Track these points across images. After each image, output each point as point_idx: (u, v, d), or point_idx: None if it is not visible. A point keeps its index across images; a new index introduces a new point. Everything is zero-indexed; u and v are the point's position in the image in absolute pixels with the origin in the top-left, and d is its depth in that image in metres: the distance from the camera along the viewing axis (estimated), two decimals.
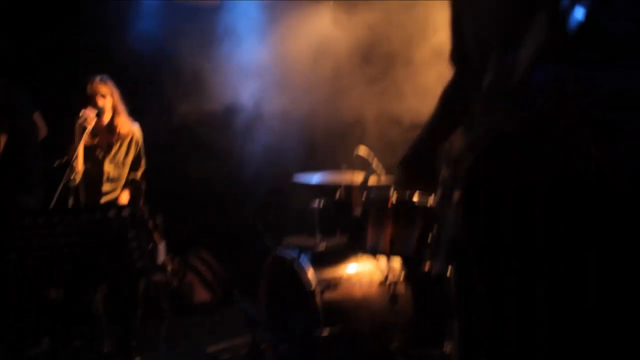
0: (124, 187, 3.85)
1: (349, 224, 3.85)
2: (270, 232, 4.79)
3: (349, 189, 3.91)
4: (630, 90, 1.17)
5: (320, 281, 3.58)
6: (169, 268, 4.96)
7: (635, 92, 1.16)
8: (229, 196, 4.89)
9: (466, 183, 1.43)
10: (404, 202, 3.53)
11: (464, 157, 1.48)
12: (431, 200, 3.50)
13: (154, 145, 4.01)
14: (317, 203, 4.01)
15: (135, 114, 3.87)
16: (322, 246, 3.90)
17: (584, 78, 1.17)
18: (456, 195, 1.50)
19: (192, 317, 4.71)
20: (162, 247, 3.70)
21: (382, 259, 3.61)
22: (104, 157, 3.80)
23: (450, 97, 1.74)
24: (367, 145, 3.93)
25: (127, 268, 2.65)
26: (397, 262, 3.74)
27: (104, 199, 3.80)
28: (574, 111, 1.20)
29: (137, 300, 3.67)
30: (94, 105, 3.67)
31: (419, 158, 1.79)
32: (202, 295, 5.09)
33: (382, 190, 3.80)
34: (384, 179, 3.73)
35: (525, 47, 1.13)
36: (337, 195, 3.97)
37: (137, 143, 3.90)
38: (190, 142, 4.75)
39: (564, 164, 1.22)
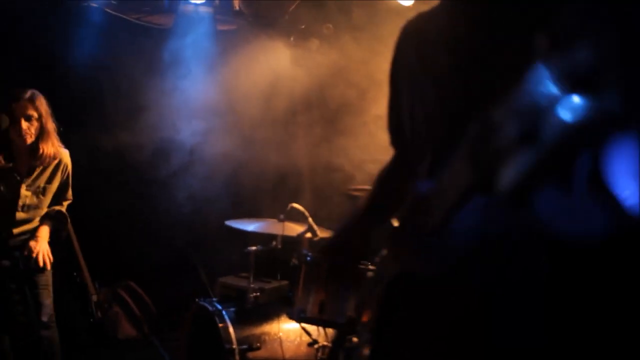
0: (44, 219, 3.55)
1: (289, 272, 3.68)
2: (205, 269, 4.62)
3: (287, 240, 3.73)
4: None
5: (241, 340, 3.37)
6: (94, 299, 4.70)
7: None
8: (162, 229, 4.65)
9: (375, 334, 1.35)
10: (341, 265, 3.36)
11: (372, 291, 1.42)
12: (369, 266, 3.34)
13: (86, 168, 3.76)
14: (253, 248, 3.83)
15: (68, 133, 3.60)
16: (253, 294, 3.70)
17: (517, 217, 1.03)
18: (365, 349, 1.42)
19: (114, 352, 4.45)
20: (48, 302, 3.44)
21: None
22: (20, 182, 3.50)
23: (387, 179, 1.66)
24: (307, 196, 3.80)
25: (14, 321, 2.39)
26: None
27: (17, 230, 3.50)
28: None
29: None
30: (17, 125, 3.38)
31: (346, 243, 1.71)
32: (127, 329, 4.86)
33: (317, 248, 3.64)
34: (320, 236, 3.55)
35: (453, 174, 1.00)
36: (274, 245, 3.79)
37: (64, 170, 3.61)
38: (123, 170, 4.50)
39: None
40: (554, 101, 0.74)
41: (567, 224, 0.95)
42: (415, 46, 1.38)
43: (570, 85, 0.73)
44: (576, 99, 0.73)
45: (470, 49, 1.16)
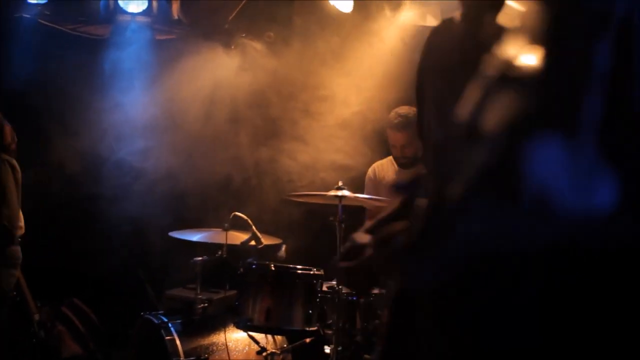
0: None
1: (236, 283, 3.64)
2: (151, 283, 4.53)
3: (232, 249, 3.70)
4: None
5: (188, 352, 3.32)
6: (36, 317, 4.56)
7: None
8: (107, 244, 4.55)
9: None
10: (286, 270, 3.36)
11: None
12: (315, 271, 3.35)
13: (26, 186, 3.65)
14: (198, 259, 3.78)
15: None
16: (201, 306, 3.65)
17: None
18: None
19: None
20: None
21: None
22: None
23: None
24: (252, 204, 3.78)
25: None
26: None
27: None
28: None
29: None
30: None
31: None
32: (71, 347, 4.72)
33: (261, 256, 3.62)
34: (264, 243, 3.54)
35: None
36: (219, 254, 3.74)
37: None
38: (65, 187, 4.39)
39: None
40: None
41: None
42: (433, 60, 1.35)
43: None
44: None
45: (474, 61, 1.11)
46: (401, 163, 3.94)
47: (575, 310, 1.01)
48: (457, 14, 1.30)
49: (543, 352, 1.02)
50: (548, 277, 1.02)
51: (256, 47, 4.52)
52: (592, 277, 1.01)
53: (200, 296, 3.71)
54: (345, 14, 4.36)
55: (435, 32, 1.39)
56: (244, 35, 4.60)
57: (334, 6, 4.36)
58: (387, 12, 4.20)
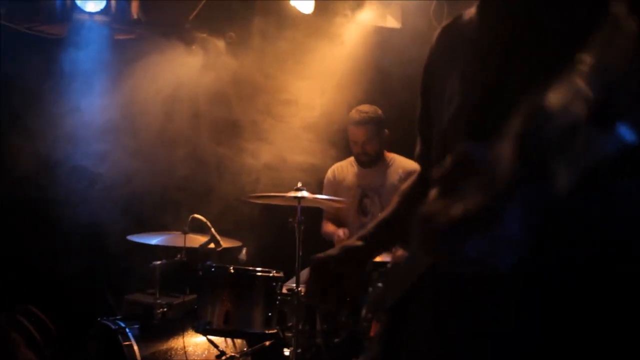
0: None
1: (196, 287, 3.58)
2: (111, 288, 4.44)
3: (191, 252, 3.65)
4: None
5: (146, 357, 3.26)
6: None
7: None
8: (64, 249, 4.44)
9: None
10: (244, 273, 3.33)
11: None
12: (274, 273, 3.32)
13: None
14: (157, 263, 3.71)
15: None
16: (160, 310, 3.58)
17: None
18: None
19: None
20: None
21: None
22: None
23: (407, 199, 1.49)
24: (213, 205, 3.73)
25: None
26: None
27: None
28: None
29: None
30: None
31: (348, 264, 1.43)
32: (27, 356, 4.59)
33: (220, 258, 3.58)
34: (224, 246, 3.50)
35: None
36: (178, 258, 3.69)
37: None
38: (17, 187, 4.27)
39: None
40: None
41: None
42: (445, 55, 1.33)
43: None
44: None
45: (502, 59, 1.12)
46: (361, 161, 3.96)
47: (576, 311, 1.00)
48: (468, 11, 1.29)
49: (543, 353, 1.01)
50: (548, 277, 1.00)
51: (217, 46, 4.47)
52: (591, 278, 1.00)
53: (159, 301, 3.65)
54: (306, 14, 4.34)
55: (446, 28, 1.38)
56: (204, 34, 4.54)
57: (294, 7, 4.35)
58: (348, 12, 4.19)
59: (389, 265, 1.40)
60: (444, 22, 1.39)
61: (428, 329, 1.18)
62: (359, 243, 1.44)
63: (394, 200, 1.53)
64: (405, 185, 1.56)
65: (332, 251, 1.45)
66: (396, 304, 1.25)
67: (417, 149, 1.48)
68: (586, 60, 0.71)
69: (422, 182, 1.47)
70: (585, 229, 1.00)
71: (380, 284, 1.42)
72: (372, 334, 1.38)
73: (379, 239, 1.46)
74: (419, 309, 1.20)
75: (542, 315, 1.02)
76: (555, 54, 0.99)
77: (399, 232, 1.44)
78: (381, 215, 1.52)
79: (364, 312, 1.46)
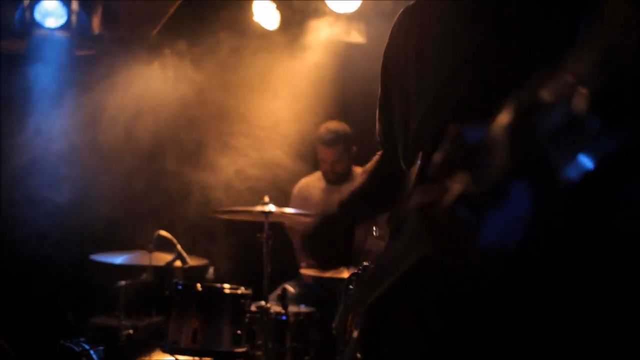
0: None
1: (163, 306, 3.51)
2: (73, 311, 4.32)
3: (157, 270, 3.57)
4: None
5: None
6: None
7: None
8: (23, 271, 4.32)
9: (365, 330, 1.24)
10: (212, 290, 3.27)
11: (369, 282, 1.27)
12: (243, 290, 3.27)
13: None
14: (122, 283, 3.62)
15: None
16: (125, 332, 3.49)
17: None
18: (354, 333, 1.30)
19: None
20: None
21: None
22: None
23: (375, 178, 1.52)
24: (178, 221, 3.67)
25: None
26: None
27: None
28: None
29: None
30: None
31: (328, 230, 1.48)
32: None
33: (187, 276, 3.53)
34: (190, 263, 3.44)
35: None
36: (144, 277, 3.60)
37: None
38: None
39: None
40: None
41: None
42: (411, 39, 1.27)
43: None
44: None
45: (475, 44, 1.09)
46: (330, 179, 3.94)
47: (558, 304, 1.00)
48: None
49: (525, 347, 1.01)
50: (530, 270, 0.99)
51: (181, 63, 4.42)
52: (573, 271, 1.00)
53: (124, 323, 3.56)
54: (270, 30, 4.34)
55: (407, 12, 1.34)
56: (167, 50, 4.50)
57: (258, 23, 4.34)
58: (313, 28, 4.20)
59: (363, 266, 1.38)
60: (407, 7, 1.35)
61: (410, 327, 1.17)
62: (339, 211, 1.48)
63: (361, 177, 1.56)
64: (368, 166, 1.57)
65: (314, 222, 1.51)
66: (374, 304, 1.24)
67: (377, 129, 1.49)
68: (584, 51, 0.69)
69: (384, 164, 1.50)
70: (571, 222, 0.99)
71: (354, 286, 1.41)
72: (346, 337, 1.36)
73: (356, 209, 1.50)
74: (399, 307, 1.19)
75: (524, 307, 1.01)
76: (536, 46, 0.99)
77: (370, 206, 1.49)
78: (353, 188, 1.54)
79: (338, 315, 1.44)
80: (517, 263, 0.97)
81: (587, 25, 0.76)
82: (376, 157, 1.56)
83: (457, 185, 0.75)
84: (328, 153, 3.86)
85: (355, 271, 1.41)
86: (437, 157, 0.79)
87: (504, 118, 0.71)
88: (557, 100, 0.66)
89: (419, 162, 1.13)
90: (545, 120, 0.66)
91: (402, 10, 1.35)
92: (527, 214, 0.73)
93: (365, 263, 1.37)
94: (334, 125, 3.92)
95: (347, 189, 4.11)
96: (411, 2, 1.33)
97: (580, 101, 0.65)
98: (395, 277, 1.12)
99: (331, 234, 1.46)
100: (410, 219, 0.90)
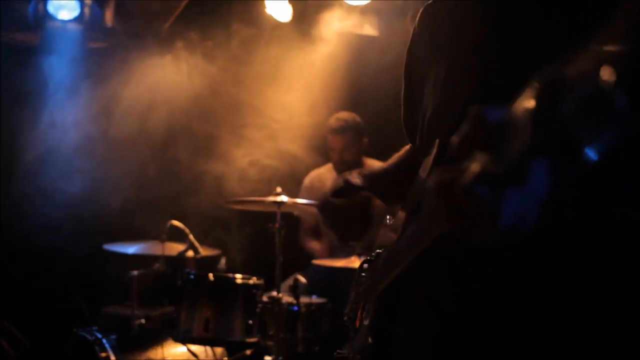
0: None
1: (174, 296, 3.52)
2: (87, 301, 4.35)
3: (170, 260, 3.59)
4: None
5: None
6: None
7: None
8: (36, 260, 4.35)
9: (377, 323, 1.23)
10: (224, 280, 3.29)
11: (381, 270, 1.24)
12: (255, 280, 3.28)
13: None
14: (135, 273, 3.65)
15: None
16: (138, 322, 3.51)
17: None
18: (366, 321, 1.29)
19: None
20: None
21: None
22: None
23: (400, 164, 1.51)
24: (192, 211, 3.69)
25: None
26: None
27: None
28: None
29: None
30: None
31: (347, 198, 1.46)
32: None
33: (199, 266, 3.54)
34: (202, 254, 3.45)
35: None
36: (156, 267, 3.62)
37: None
38: None
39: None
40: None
41: None
42: (431, 34, 1.31)
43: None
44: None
45: (492, 41, 1.11)
46: (340, 169, 3.95)
47: (573, 282, 1.00)
48: None
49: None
50: (545, 249, 0.99)
51: (194, 55, 4.44)
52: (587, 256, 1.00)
53: (137, 312, 3.58)
54: (283, 22, 4.35)
55: (430, 8, 1.35)
56: (180, 43, 4.51)
57: (271, 15, 4.35)
58: (325, 20, 4.21)
59: (376, 253, 1.37)
60: (429, 3, 1.36)
61: (424, 308, 1.17)
62: (359, 183, 1.46)
63: (389, 161, 1.54)
64: (399, 153, 1.56)
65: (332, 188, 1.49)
66: (387, 290, 1.23)
67: (403, 126, 1.48)
68: (610, 29, 0.68)
69: (411, 156, 1.48)
70: (583, 202, 0.98)
71: (366, 274, 1.40)
72: (357, 324, 1.35)
73: (379, 186, 1.48)
74: (413, 289, 1.19)
75: (542, 286, 1.01)
76: (555, 41, 0.99)
77: (396, 187, 1.45)
78: (381, 166, 1.53)
79: (349, 303, 1.43)
80: (533, 242, 0.97)
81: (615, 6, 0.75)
82: (405, 147, 1.55)
83: (476, 164, 0.74)
84: (337, 141, 3.89)
85: (367, 258, 1.41)
86: (456, 136, 0.78)
87: (526, 96, 0.69)
88: (583, 75, 0.64)
89: (434, 151, 1.14)
90: (570, 96, 0.64)
91: (422, 8, 1.37)
92: (546, 194, 0.72)
93: (377, 250, 1.36)
94: (344, 114, 3.96)
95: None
96: (429, 1, 1.34)
97: (607, 76, 0.63)
98: (409, 261, 1.11)
99: (350, 202, 1.45)
100: (428, 198, 0.90)
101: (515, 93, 0.72)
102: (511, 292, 1.04)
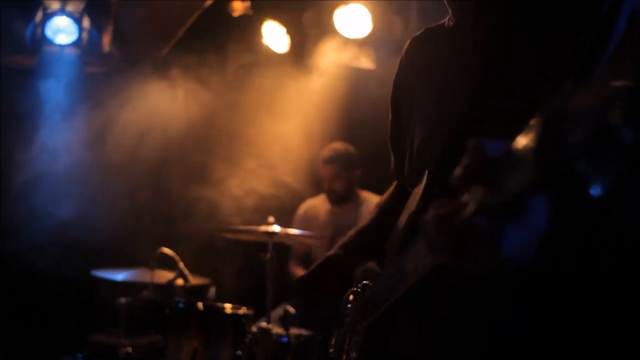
0: None
1: (162, 325, 3.47)
2: (73, 326, 4.29)
3: (158, 288, 3.55)
4: None
5: None
6: None
7: None
8: (22, 284, 4.29)
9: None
10: (213, 309, 3.24)
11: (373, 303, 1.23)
12: (244, 310, 3.24)
13: None
14: (123, 300, 3.60)
15: None
16: (124, 351, 3.46)
17: None
18: (352, 354, 1.28)
19: None
20: None
21: None
22: None
23: (386, 212, 1.48)
24: (183, 239, 3.66)
25: None
26: None
27: None
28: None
29: None
30: None
31: (329, 270, 1.47)
32: None
33: (189, 294, 3.50)
34: (191, 283, 3.42)
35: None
36: (145, 294, 3.58)
37: None
38: None
39: None
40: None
41: None
42: (418, 66, 1.33)
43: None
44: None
45: (476, 72, 1.13)
46: (330, 198, 3.98)
47: (568, 292, 1.00)
48: (438, 24, 1.30)
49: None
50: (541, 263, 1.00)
51: (190, 82, 4.46)
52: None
53: (123, 341, 3.52)
54: (279, 54, 4.38)
55: (416, 40, 1.37)
56: (177, 70, 4.53)
57: (268, 46, 4.39)
58: (322, 52, 4.24)
59: (363, 284, 1.36)
60: (415, 36, 1.38)
61: (420, 328, 1.16)
62: (340, 252, 1.45)
63: (372, 212, 1.53)
64: (381, 198, 1.55)
65: (314, 268, 1.46)
66: (377, 320, 1.22)
67: (392, 162, 1.47)
68: (615, 63, 0.69)
69: (398, 196, 1.47)
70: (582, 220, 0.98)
71: (352, 305, 1.38)
72: (344, 357, 1.34)
73: (359, 248, 1.46)
74: (407, 314, 1.18)
75: (538, 300, 1.01)
76: (540, 73, 1.00)
77: (378, 242, 1.43)
78: (360, 225, 1.51)
79: (335, 335, 1.41)
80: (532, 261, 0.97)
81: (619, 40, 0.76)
82: (390, 189, 1.54)
83: (477, 197, 0.74)
84: (326, 170, 3.94)
85: (353, 290, 1.39)
86: (458, 170, 0.79)
87: (529, 130, 0.69)
88: (589, 110, 0.64)
89: (424, 181, 1.13)
90: (576, 131, 0.63)
91: (409, 40, 1.39)
92: (546, 227, 0.73)
93: (364, 282, 1.35)
94: (336, 145, 4.02)
95: (351, 211, 4.05)
96: (419, 32, 1.36)
97: (616, 111, 0.62)
98: (402, 292, 1.11)
99: (327, 281, 1.44)
100: (426, 230, 0.90)
101: (513, 101, 0.72)
102: (510, 305, 1.04)
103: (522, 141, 0.69)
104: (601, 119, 0.63)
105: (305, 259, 4.09)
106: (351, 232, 1.51)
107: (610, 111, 0.63)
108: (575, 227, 0.96)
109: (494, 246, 0.74)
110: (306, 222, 4.01)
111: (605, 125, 0.63)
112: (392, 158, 1.47)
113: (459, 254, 0.80)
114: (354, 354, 1.30)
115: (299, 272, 4.04)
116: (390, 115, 1.44)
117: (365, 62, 4.31)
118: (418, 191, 1.16)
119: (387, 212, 1.49)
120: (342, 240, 1.49)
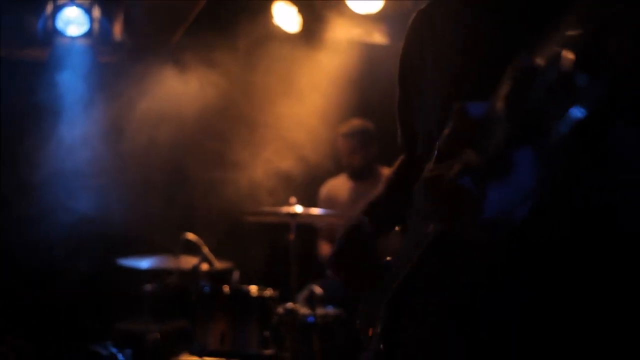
0: None
1: (189, 310, 3.50)
2: (100, 314, 4.34)
3: (184, 274, 3.58)
4: None
5: None
6: None
7: None
8: (50, 274, 4.34)
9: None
10: (239, 292, 3.26)
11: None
12: (270, 291, 3.26)
13: None
14: (148, 287, 3.64)
15: None
16: (152, 337, 3.49)
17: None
18: (377, 328, 1.28)
19: None
20: None
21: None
22: None
23: (396, 184, 1.47)
24: (204, 225, 3.67)
25: None
26: None
27: None
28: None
29: None
30: None
31: (353, 249, 1.41)
32: None
33: (214, 278, 3.52)
34: (216, 267, 3.43)
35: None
36: (170, 281, 3.61)
37: None
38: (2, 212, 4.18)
39: None
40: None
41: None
42: (424, 37, 1.31)
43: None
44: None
45: (480, 38, 1.12)
46: (351, 173, 3.98)
47: (563, 262, 0.99)
48: None
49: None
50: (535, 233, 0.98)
51: (203, 66, 4.44)
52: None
53: (151, 326, 3.56)
54: (292, 33, 4.35)
55: (422, 13, 1.35)
56: (189, 56, 4.51)
57: (279, 26, 4.35)
58: (334, 30, 4.20)
59: (385, 262, 1.36)
60: (420, 9, 1.36)
61: (426, 308, 1.17)
62: (360, 221, 1.41)
63: (381, 185, 1.52)
64: (390, 171, 1.54)
65: (338, 241, 1.41)
66: (394, 297, 1.23)
67: (399, 136, 1.47)
68: (569, 14, 0.70)
69: (406, 168, 1.46)
70: (570, 180, 0.98)
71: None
72: (370, 333, 1.35)
73: (377, 218, 1.44)
74: (415, 297, 1.19)
75: (535, 275, 1.00)
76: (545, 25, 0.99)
77: (386, 216, 1.43)
78: (370, 197, 1.50)
79: (360, 312, 1.42)
80: (523, 232, 0.94)
81: None
82: (397, 162, 1.53)
83: (462, 158, 0.76)
84: (344, 145, 3.97)
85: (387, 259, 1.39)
86: (443, 134, 0.80)
87: (502, 88, 0.72)
88: (548, 61, 0.67)
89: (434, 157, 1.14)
90: (538, 83, 0.67)
91: (414, 14, 1.38)
92: (533, 186, 0.74)
93: (387, 259, 1.35)
94: (354, 121, 4.02)
95: (371, 187, 4.07)
96: (423, 6, 1.35)
97: (567, 59, 0.66)
98: (412, 264, 1.12)
99: (356, 251, 1.39)
100: (418, 195, 0.92)
101: (498, 74, 0.74)
102: (505, 283, 1.03)
103: (498, 98, 0.73)
104: (557, 68, 0.66)
105: (334, 239, 4.09)
106: (365, 204, 1.48)
107: (563, 60, 0.66)
108: (567, 191, 0.95)
109: (477, 207, 0.74)
110: (329, 202, 4.01)
111: (560, 73, 0.66)
112: (398, 131, 1.47)
113: (448, 217, 0.81)
114: (378, 329, 1.30)
115: (328, 250, 4.04)
116: (398, 89, 1.43)
117: (378, 38, 4.27)
118: (429, 166, 1.18)
119: (395, 184, 1.48)
120: (357, 219, 1.43)
